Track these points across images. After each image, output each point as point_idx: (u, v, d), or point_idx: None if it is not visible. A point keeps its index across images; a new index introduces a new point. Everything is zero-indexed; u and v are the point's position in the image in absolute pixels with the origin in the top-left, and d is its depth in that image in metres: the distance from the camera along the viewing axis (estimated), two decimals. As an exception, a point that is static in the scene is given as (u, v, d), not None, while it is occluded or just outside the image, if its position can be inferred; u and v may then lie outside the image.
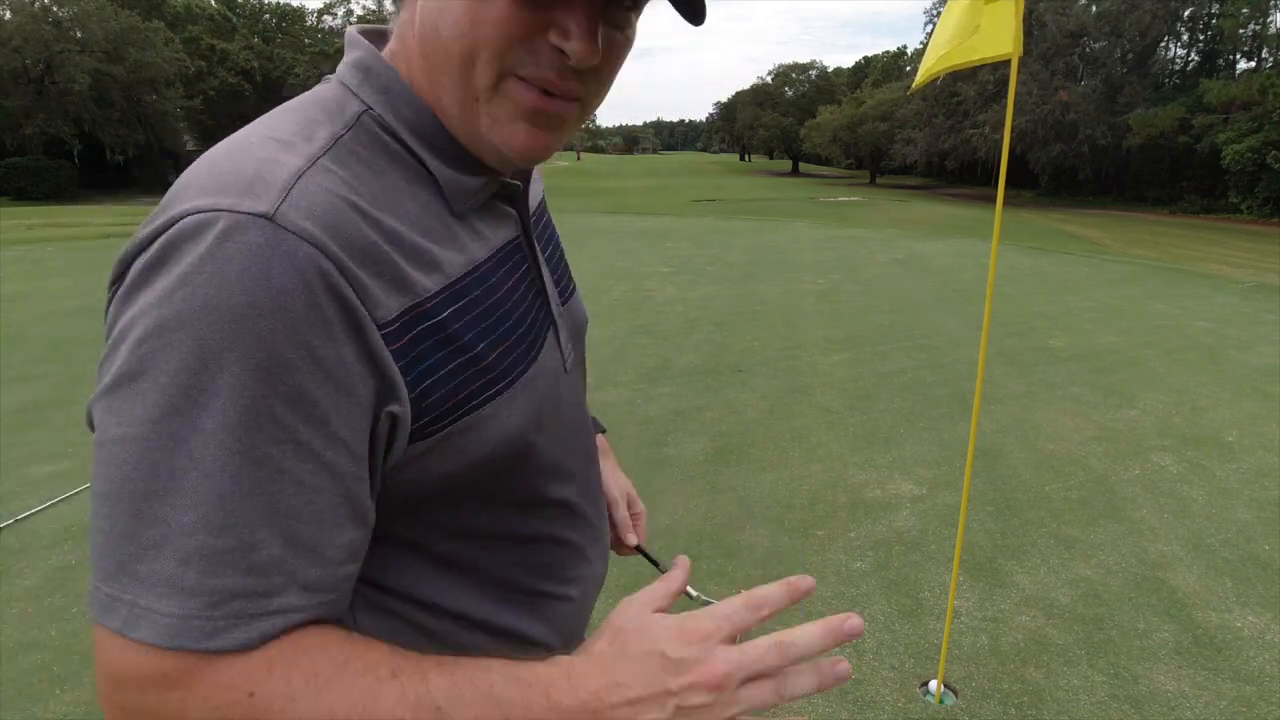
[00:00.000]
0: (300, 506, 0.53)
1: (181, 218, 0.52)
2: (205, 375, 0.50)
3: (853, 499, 3.79)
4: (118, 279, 0.55)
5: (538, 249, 0.76)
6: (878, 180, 52.64)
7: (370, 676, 0.54)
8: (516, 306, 0.69)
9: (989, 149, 37.84)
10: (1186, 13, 37.23)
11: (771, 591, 0.60)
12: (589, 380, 0.95)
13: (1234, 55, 37.96)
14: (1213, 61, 39.15)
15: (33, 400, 4.97)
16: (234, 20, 44.57)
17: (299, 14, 48.46)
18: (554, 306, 0.77)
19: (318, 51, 43.91)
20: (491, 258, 0.68)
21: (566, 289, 0.84)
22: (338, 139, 0.60)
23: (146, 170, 37.15)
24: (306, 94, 0.66)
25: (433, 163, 0.64)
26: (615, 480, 1.04)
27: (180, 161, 42.06)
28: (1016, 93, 2.12)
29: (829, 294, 9.15)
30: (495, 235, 0.70)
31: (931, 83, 2.30)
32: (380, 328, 0.55)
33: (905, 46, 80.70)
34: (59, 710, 2.30)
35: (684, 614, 0.55)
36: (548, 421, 0.72)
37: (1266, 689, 2.51)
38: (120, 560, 0.51)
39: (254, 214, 0.51)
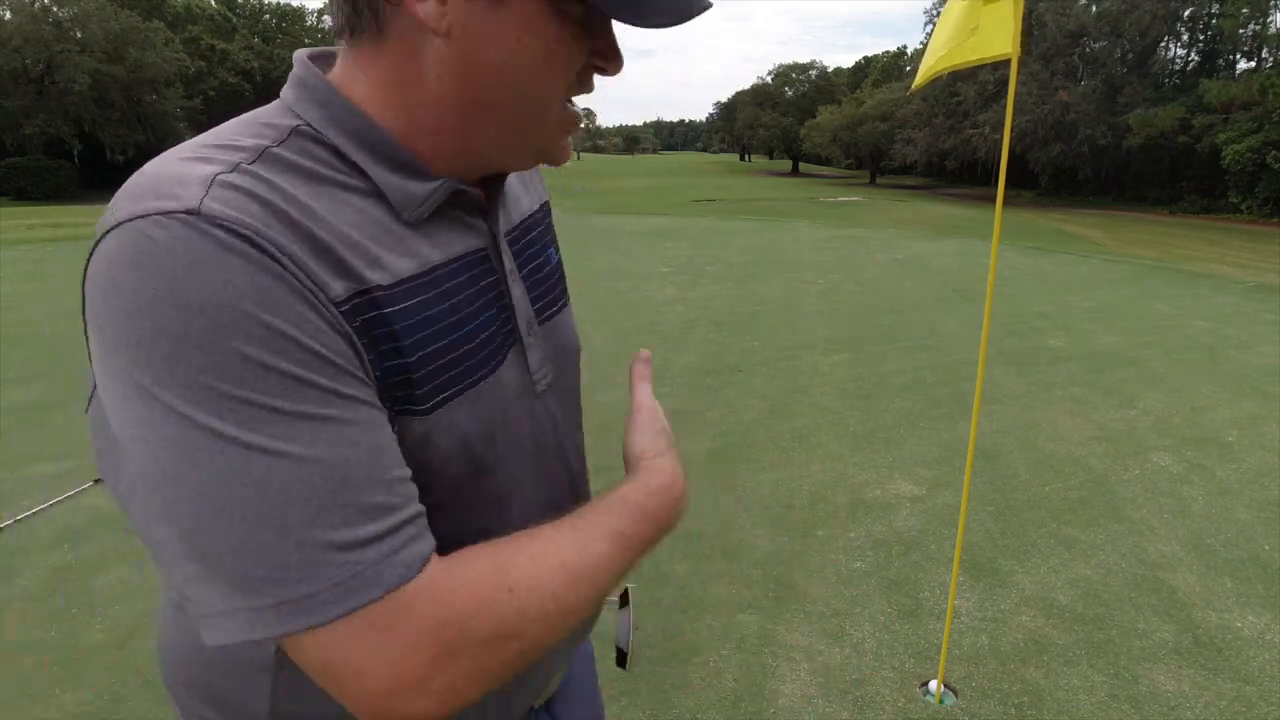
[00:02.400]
0: (369, 454, 0.55)
1: (110, 230, 0.52)
2: (208, 373, 0.50)
3: (853, 499, 3.79)
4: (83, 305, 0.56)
5: (507, 263, 0.73)
6: (878, 180, 52.65)
7: (565, 533, 0.63)
8: (473, 317, 0.67)
9: (989, 149, 37.85)
10: (1186, 13, 37.24)
11: (644, 393, 0.93)
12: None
13: (1234, 55, 37.97)
14: (1213, 61, 39.15)
15: (33, 400, 4.97)
16: (234, 20, 44.57)
17: (299, 14, 48.49)
18: (521, 324, 0.74)
19: (318, 51, 43.82)
20: (446, 264, 0.66)
21: (550, 307, 0.81)
22: (264, 150, 0.59)
23: (147, 170, 37.13)
24: (248, 113, 0.65)
25: (375, 171, 0.63)
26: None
27: (180, 161, 42.00)
28: (1016, 93, 2.12)
29: (829, 294, 9.15)
30: (453, 244, 0.68)
31: (931, 83, 2.30)
32: (336, 305, 0.56)
33: (905, 46, 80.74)
34: (59, 710, 2.30)
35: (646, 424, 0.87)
36: (502, 441, 0.70)
37: (1266, 689, 2.51)
38: (260, 567, 0.51)
39: (179, 211, 0.51)
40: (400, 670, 0.53)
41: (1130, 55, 37.18)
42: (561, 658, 0.85)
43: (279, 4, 48.35)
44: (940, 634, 2.68)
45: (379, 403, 0.57)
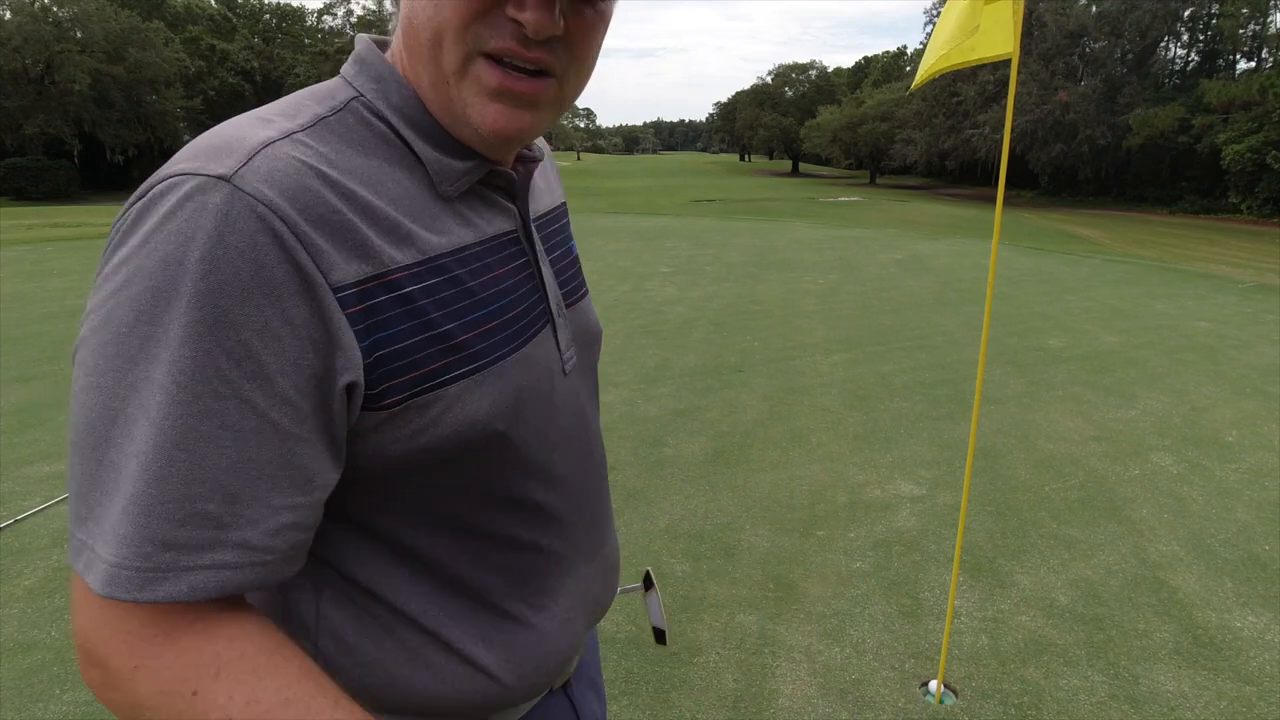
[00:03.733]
0: (241, 464, 0.54)
1: (159, 182, 0.55)
2: (158, 327, 0.52)
3: (853, 499, 3.79)
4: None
5: (538, 246, 0.76)
6: (878, 180, 52.65)
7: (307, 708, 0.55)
8: (503, 295, 0.69)
9: (989, 149, 37.84)
10: (1186, 13, 37.23)
11: None
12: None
13: (1234, 55, 37.97)
14: (1213, 61, 39.16)
15: (33, 400, 4.97)
16: (234, 20, 44.57)
17: (299, 14, 48.50)
18: (553, 305, 0.77)
19: (318, 52, 43.92)
20: (480, 243, 0.69)
21: (574, 293, 0.84)
22: (320, 118, 0.63)
23: (146, 170, 37.03)
24: (311, 86, 0.69)
25: (419, 145, 0.66)
26: None
27: (180, 161, 42.05)
28: (1016, 93, 2.12)
29: (829, 294, 9.15)
30: (488, 225, 0.71)
31: (931, 83, 2.30)
32: (335, 291, 0.57)
33: (905, 46, 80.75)
34: (59, 710, 2.31)
35: None
36: (531, 417, 0.71)
37: (1266, 689, 2.51)
38: (84, 504, 0.54)
39: (214, 175, 0.54)
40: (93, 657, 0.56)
41: (1130, 55, 37.18)
42: (582, 643, 0.85)
43: (279, 4, 48.36)
44: (940, 634, 2.68)
45: (293, 422, 0.56)
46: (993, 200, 2.36)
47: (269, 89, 41.34)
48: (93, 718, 2.28)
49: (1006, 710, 2.39)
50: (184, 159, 0.56)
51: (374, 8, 44.98)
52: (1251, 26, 33.25)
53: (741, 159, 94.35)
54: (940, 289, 9.58)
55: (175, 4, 40.22)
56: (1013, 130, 2.20)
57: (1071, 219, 26.00)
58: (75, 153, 33.39)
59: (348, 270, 0.58)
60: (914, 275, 10.67)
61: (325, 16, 48.30)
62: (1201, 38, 39.63)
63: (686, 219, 19.47)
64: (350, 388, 0.59)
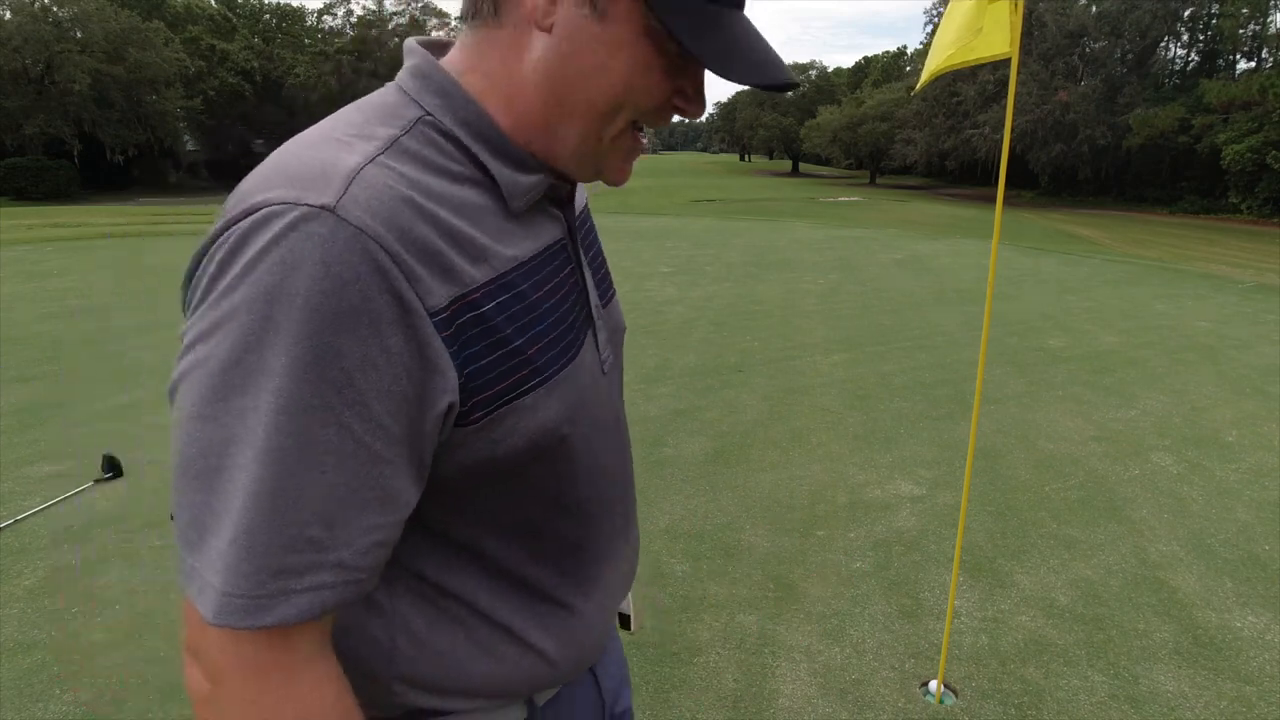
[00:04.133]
0: (339, 488, 0.56)
1: (253, 210, 0.55)
2: (263, 357, 0.53)
3: (853, 499, 3.79)
4: (194, 269, 0.59)
5: (581, 251, 0.79)
6: (878, 180, 52.65)
7: None
8: (559, 305, 0.71)
9: (989, 149, 37.82)
10: (1186, 13, 37.21)
11: None
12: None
13: (1234, 55, 37.96)
14: (1213, 61, 39.15)
15: (33, 400, 4.97)
16: (234, 20, 44.52)
17: (299, 14, 48.45)
18: (594, 308, 0.79)
19: (318, 52, 43.87)
20: (538, 255, 0.70)
21: (606, 292, 0.86)
22: (395, 140, 0.63)
23: (146, 170, 37.13)
24: (367, 99, 0.69)
25: (491, 162, 0.66)
26: None
27: (180, 161, 42.17)
28: (1016, 93, 2.12)
29: (829, 294, 9.14)
30: (542, 235, 0.72)
31: (931, 83, 2.30)
32: (431, 316, 0.58)
33: (905, 46, 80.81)
34: (59, 710, 2.31)
35: None
36: (584, 420, 0.74)
37: (1266, 689, 2.51)
38: (195, 530, 0.55)
39: (317, 206, 0.54)
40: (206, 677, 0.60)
41: (1130, 55, 37.17)
42: (611, 628, 0.89)
43: (279, 4, 48.32)
44: (940, 634, 2.68)
45: (384, 446, 0.58)
46: (993, 200, 2.36)
47: (269, 89, 41.30)
48: (93, 718, 2.28)
49: (1006, 710, 2.39)
50: (276, 186, 0.56)
51: (374, 8, 45.01)
52: (1251, 26, 33.25)
53: (741, 159, 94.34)
54: (940, 289, 9.58)
55: (175, 4, 40.18)
56: (1013, 130, 2.20)
57: (1071, 219, 26.01)
58: (75, 153, 33.35)
59: (440, 294, 0.59)
60: (914, 275, 10.67)
61: (325, 16, 48.27)
62: (1201, 38, 39.62)
63: (686, 219, 19.46)
64: (449, 409, 0.61)
